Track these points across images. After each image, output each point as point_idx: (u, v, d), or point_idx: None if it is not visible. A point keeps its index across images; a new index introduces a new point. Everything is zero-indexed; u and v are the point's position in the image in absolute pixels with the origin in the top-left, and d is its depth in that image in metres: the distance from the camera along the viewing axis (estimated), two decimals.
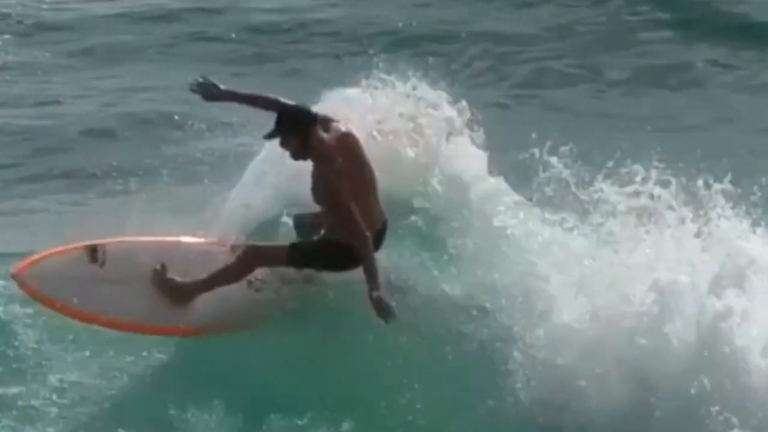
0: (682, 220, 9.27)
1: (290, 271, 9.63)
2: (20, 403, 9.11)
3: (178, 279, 9.43)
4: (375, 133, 9.97)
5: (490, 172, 10.24)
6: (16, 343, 9.60)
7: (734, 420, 8.44)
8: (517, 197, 10.18)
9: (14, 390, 9.21)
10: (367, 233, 9.08)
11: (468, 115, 10.18)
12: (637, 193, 9.41)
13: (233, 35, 17.82)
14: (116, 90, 16.08)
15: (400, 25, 16.54)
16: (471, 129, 10.21)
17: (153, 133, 13.78)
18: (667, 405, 8.66)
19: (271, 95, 9.41)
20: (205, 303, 9.42)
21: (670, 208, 9.33)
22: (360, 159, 9.34)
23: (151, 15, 19.03)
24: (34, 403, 9.12)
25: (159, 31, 18.45)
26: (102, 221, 10.85)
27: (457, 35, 17.38)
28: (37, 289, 9.16)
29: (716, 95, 16.08)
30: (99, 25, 18.81)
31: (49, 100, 16.14)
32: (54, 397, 9.19)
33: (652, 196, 9.38)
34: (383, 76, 10.22)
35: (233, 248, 9.65)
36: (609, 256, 9.37)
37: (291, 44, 17.59)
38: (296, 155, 9.29)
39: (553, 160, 9.69)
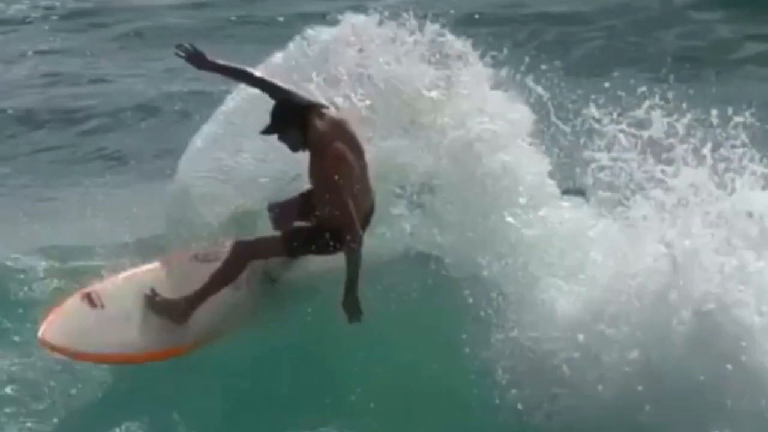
0: (700, 159, 8.47)
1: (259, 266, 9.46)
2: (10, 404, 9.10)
3: (171, 298, 9.22)
4: (393, 69, 9.63)
5: (522, 138, 9.62)
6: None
7: (741, 407, 7.95)
8: (534, 167, 9.63)
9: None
10: (360, 230, 8.92)
11: (503, 72, 9.70)
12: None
13: (281, 19, 17.80)
14: (164, 71, 16.08)
15: (452, 11, 16.46)
16: (503, 88, 9.75)
17: (202, 115, 13.74)
18: (667, 389, 8.13)
19: (259, 73, 9.26)
20: (199, 312, 9.23)
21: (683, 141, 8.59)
22: (355, 145, 9.13)
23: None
24: (23, 403, 9.11)
25: (206, 14, 18.61)
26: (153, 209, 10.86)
27: (509, 17, 17.49)
28: (69, 348, 8.95)
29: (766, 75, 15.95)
30: (145, 10, 18.95)
31: (97, 80, 16.34)
32: (42, 396, 9.16)
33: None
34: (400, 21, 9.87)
35: (208, 254, 9.57)
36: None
37: None
38: (295, 147, 9.11)
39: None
